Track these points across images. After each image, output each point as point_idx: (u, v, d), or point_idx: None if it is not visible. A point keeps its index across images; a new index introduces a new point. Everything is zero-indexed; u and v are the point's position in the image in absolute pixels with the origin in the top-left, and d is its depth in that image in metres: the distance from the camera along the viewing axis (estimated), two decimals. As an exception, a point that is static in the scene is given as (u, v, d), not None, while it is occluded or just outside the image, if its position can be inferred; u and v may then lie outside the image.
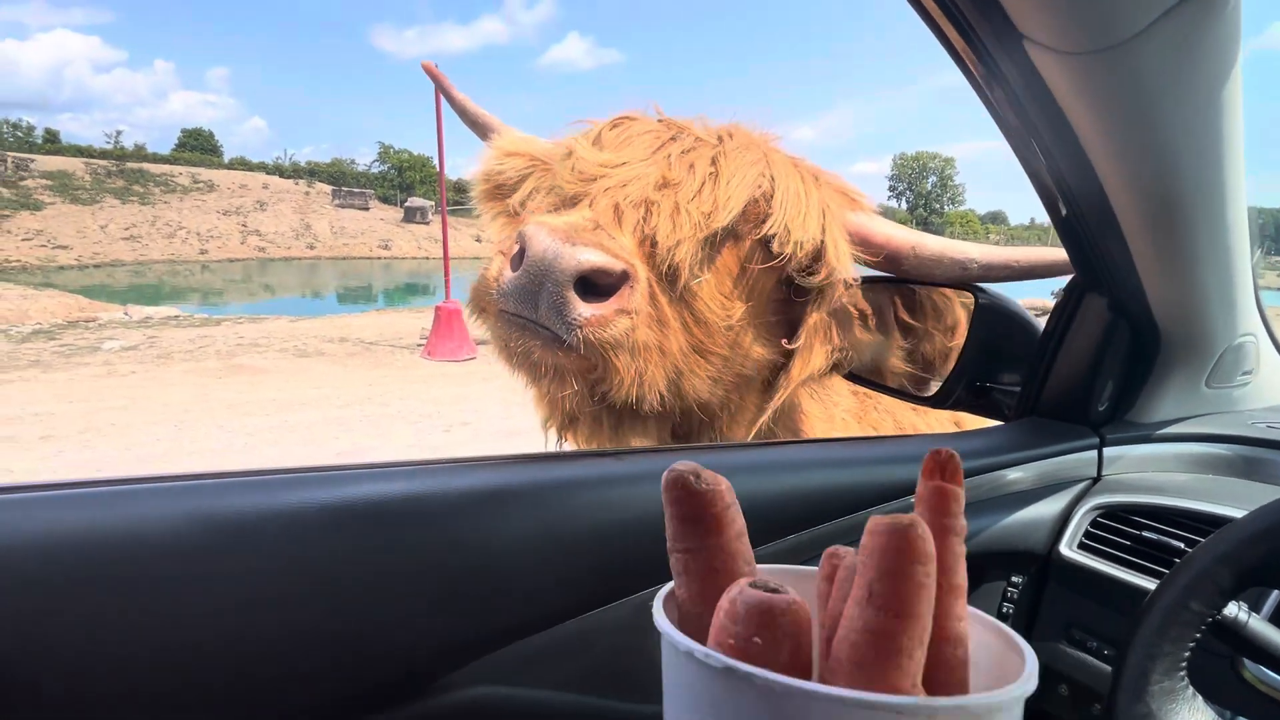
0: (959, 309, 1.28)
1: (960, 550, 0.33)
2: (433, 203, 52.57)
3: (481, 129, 1.44)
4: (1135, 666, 0.65)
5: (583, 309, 0.87)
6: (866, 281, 1.22)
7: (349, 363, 9.34)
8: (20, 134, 62.90)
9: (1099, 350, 1.09)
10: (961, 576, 0.32)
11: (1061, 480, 1.07)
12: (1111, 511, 1.02)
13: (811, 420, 1.41)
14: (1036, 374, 1.16)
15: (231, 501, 0.64)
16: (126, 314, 13.63)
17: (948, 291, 1.27)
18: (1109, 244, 0.95)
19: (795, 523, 0.88)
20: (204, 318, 13.75)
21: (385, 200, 60.87)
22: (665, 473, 0.34)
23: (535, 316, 0.88)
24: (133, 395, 7.28)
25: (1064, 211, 0.96)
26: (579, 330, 0.88)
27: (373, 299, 27.27)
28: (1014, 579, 1.04)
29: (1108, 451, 1.10)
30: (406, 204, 55.72)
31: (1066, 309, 1.11)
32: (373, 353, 10.01)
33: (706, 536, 0.33)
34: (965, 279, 1.16)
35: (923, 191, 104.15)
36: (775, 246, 1.04)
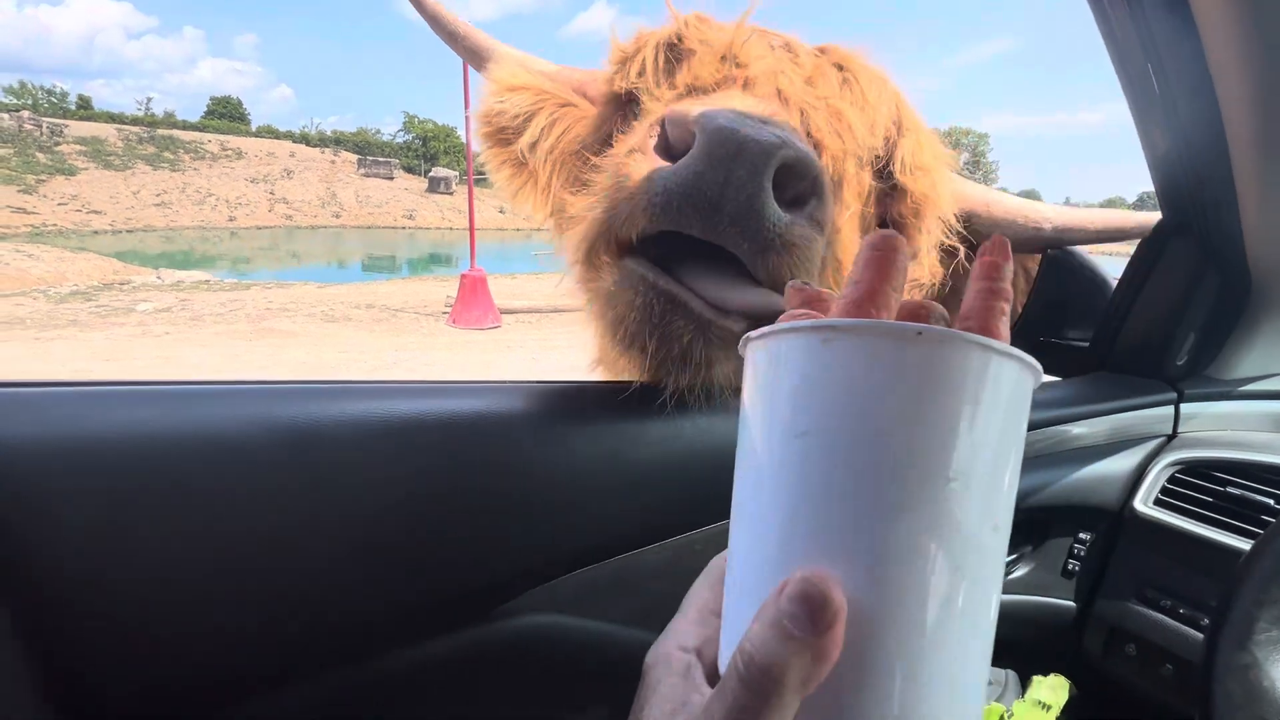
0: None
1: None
2: (457, 173, 52.48)
3: (472, 53, 1.17)
4: (1241, 613, 0.60)
5: (782, 213, 0.61)
6: None
7: (375, 328, 9.42)
8: (54, 100, 63.84)
9: (1182, 299, 1.03)
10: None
11: (1135, 436, 1.02)
12: (1191, 467, 0.97)
13: None
14: (1109, 327, 1.11)
15: (304, 409, 0.63)
16: (159, 278, 13.87)
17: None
18: (1213, 174, 0.87)
19: None
20: (233, 283, 13.95)
21: (410, 170, 60.86)
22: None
23: (714, 223, 0.59)
24: (166, 355, 7.43)
25: (1165, 141, 0.89)
26: (778, 239, 0.61)
27: (397, 269, 27.40)
28: (1082, 535, 1.00)
29: (1185, 408, 1.05)
30: (431, 174, 55.68)
31: (1149, 255, 1.05)
32: (398, 319, 10.07)
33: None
34: (1037, 240, 1.09)
35: (955, 168, 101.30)
36: (900, 174, 0.88)
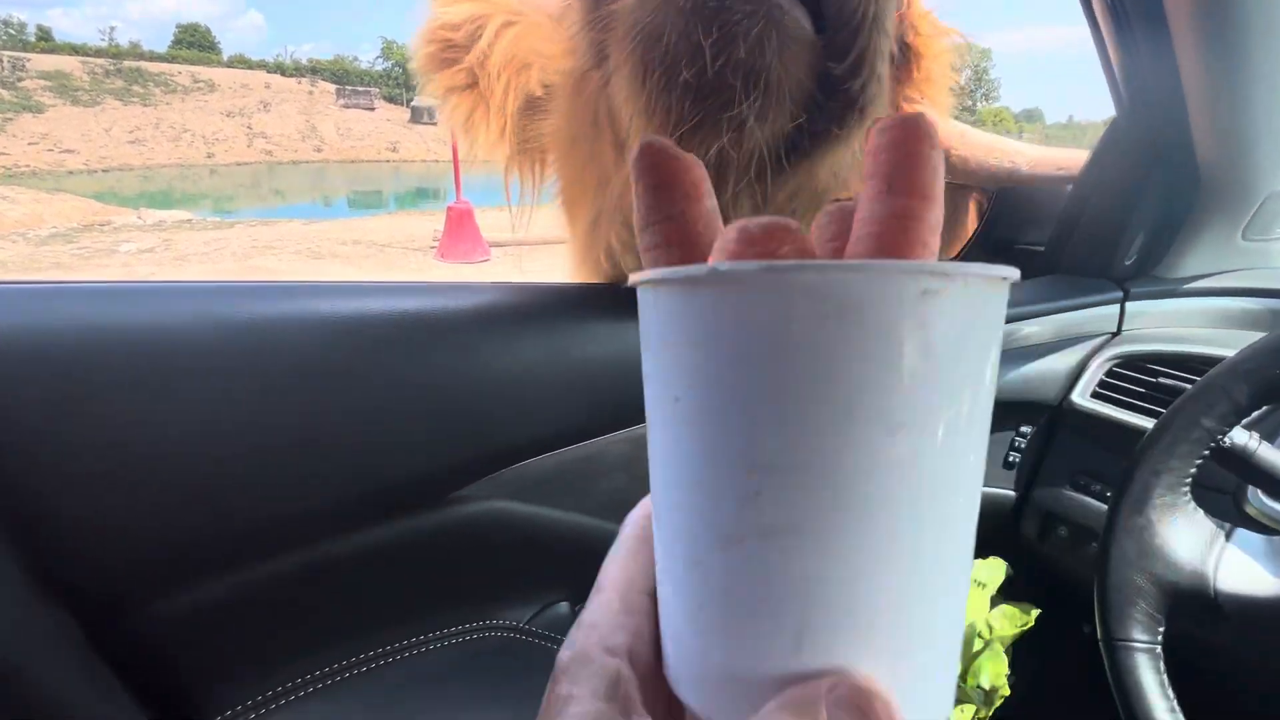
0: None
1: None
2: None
3: None
4: (1139, 481, 0.65)
5: None
6: None
7: (363, 264, 9.32)
8: (12, 32, 60.65)
9: (1131, 199, 1.05)
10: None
11: (1080, 334, 1.05)
12: (1129, 361, 1.01)
13: None
14: (1064, 229, 1.12)
15: (253, 307, 0.64)
16: (140, 218, 13.57)
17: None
18: (1160, 64, 0.88)
19: None
20: (216, 221, 13.70)
21: (391, 100, 58.46)
22: (637, 146, 0.27)
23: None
24: (153, 296, 7.37)
25: (1117, 38, 0.89)
26: None
27: (384, 204, 26.82)
28: (1023, 429, 1.05)
29: (1130, 306, 1.08)
30: (413, 104, 53.59)
31: (1103, 155, 1.06)
32: (386, 254, 9.95)
33: (686, 203, 0.27)
34: (1011, 179, 1.08)
35: (954, 86, 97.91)
36: (911, 36, 0.80)
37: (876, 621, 0.23)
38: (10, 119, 35.99)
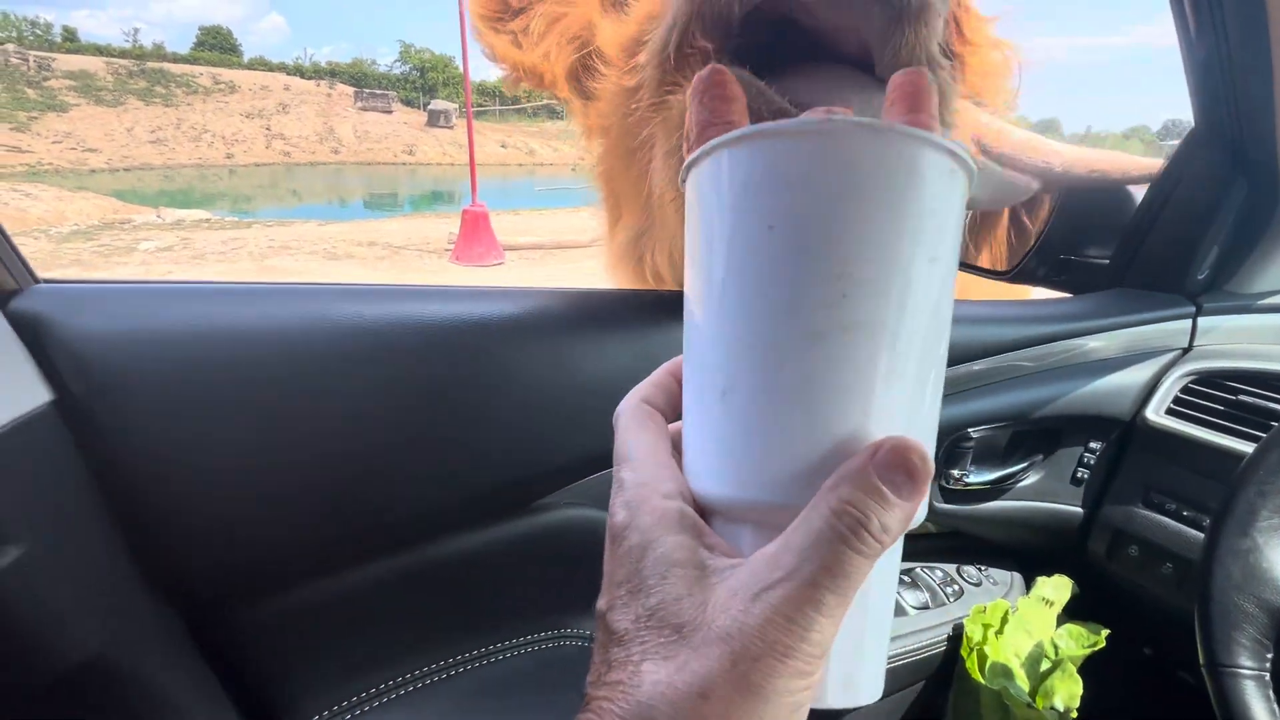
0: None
1: None
2: (456, 105, 51.01)
3: None
4: (1244, 502, 0.62)
5: None
6: None
7: (378, 266, 9.36)
8: (39, 32, 61.83)
9: (1208, 211, 1.02)
10: None
11: (1150, 349, 1.04)
12: (1205, 377, 0.99)
13: None
14: (1131, 242, 1.11)
15: (360, 309, 0.66)
16: (159, 216, 13.75)
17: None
18: (1251, 78, 0.86)
19: None
20: (234, 221, 13.83)
21: (408, 103, 59.07)
22: (706, 70, 0.35)
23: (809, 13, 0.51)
24: (171, 293, 7.43)
25: (1206, 47, 0.87)
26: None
27: (399, 206, 27.02)
28: (1092, 445, 1.03)
29: (1202, 321, 1.06)
30: (430, 107, 54.08)
31: (1178, 167, 1.04)
32: (401, 256, 10.00)
33: (739, 115, 0.35)
34: (1045, 177, 1.07)
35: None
36: (958, 44, 0.75)
37: (912, 403, 0.31)
38: (35, 117, 36.62)
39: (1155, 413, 0.98)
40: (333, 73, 61.78)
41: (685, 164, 0.35)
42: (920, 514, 0.32)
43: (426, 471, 0.69)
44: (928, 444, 0.31)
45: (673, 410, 0.39)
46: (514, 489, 0.74)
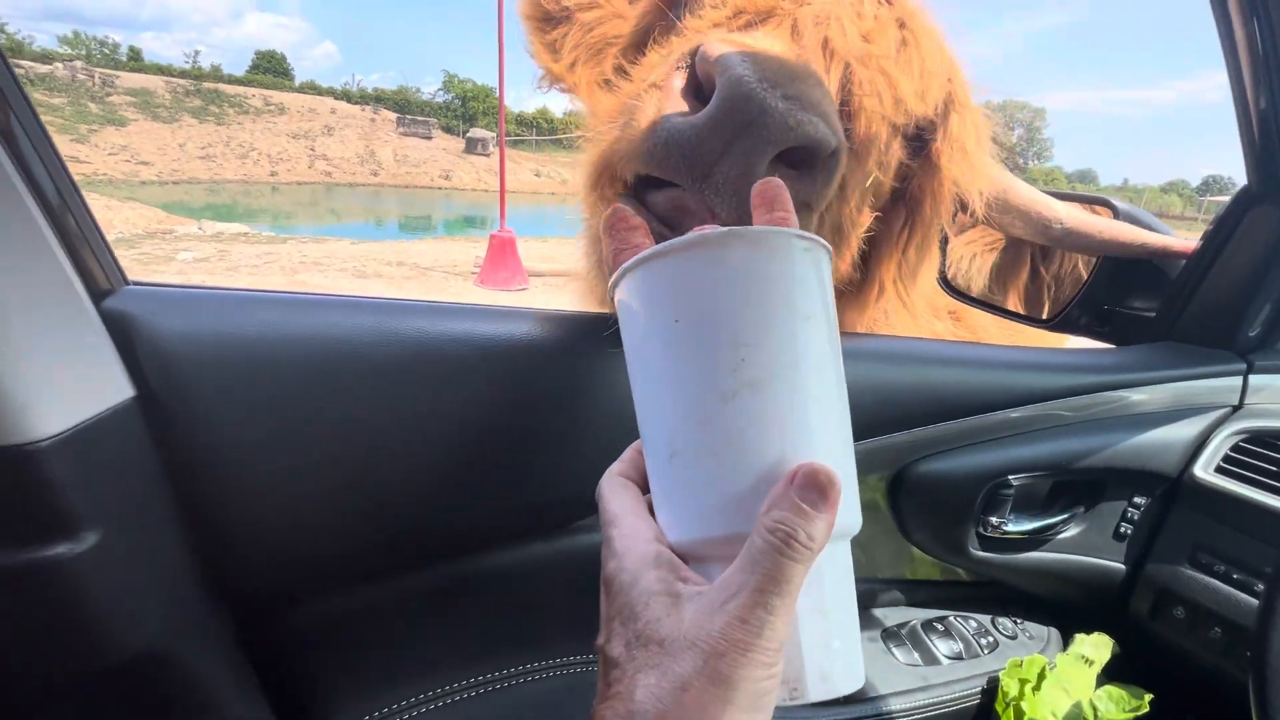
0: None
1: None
2: (494, 134, 52.31)
3: None
4: None
5: None
6: None
7: (404, 285, 9.48)
8: (107, 51, 65.09)
9: (1261, 268, 1.00)
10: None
11: (1198, 405, 1.01)
12: (1258, 437, 0.97)
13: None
14: (1179, 295, 1.08)
15: (424, 324, 0.68)
16: (200, 228, 14.16)
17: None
18: None
19: (923, 416, 0.87)
20: (270, 236, 14.17)
21: (448, 130, 60.79)
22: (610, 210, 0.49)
23: (697, 187, 0.58)
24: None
25: (1264, 102, 0.86)
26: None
27: (433, 229, 27.55)
28: (1136, 500, 1.00)
29: (1254, 379, 1.03)
30: (468, 135, 55.54)
31: (1229, 222, 1.02)
32: (428, 278, 10.12)
33: (644, 240, 0.48)
34: (1045, 236, 1.10)
35: (1006, 144, 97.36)
36: (939, 154, 0.84)
37: (817, 433, 0.40)
38: (95, 130, 38.35)
39: (1204, 470, 0.95)
40: (378, 99, 63.92)
41: (610, 284, 0.47)
42: (853, 523, 0.42)
43: (473, 486, 0.71)
44: (839, 461, 0.40)
45: (642, 480, 0.47)
46: (555, 509, 0.76)
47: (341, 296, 0.71)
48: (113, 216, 14.11)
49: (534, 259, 9.89)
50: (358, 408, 0.65)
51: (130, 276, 0.64)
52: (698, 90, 0.59)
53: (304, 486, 0.65)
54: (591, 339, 0.73)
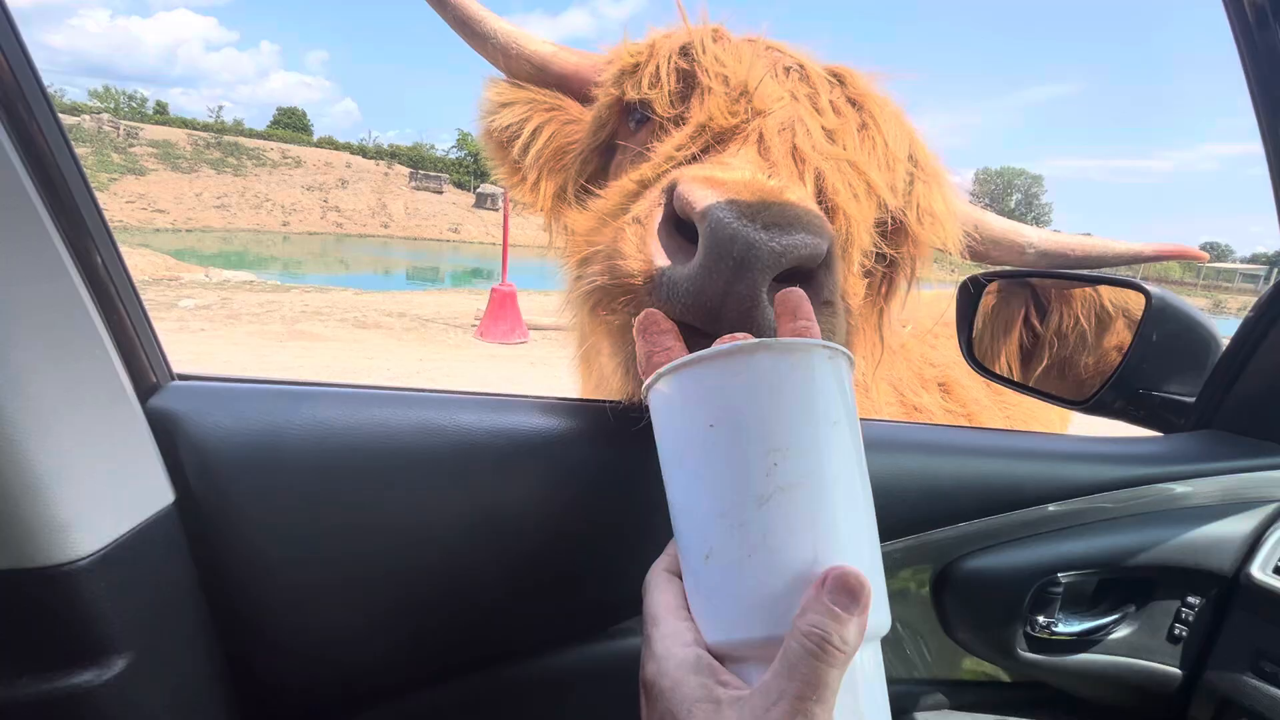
0: (1109, 320, 1.28)
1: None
2: (503, 190, 53.52)
3: (461, 23, 1.09)
4: None
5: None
6: (1002, 277, 1.22)
7: (404, 337, 9.45)
8: (135, 105, 67.62)
9: None
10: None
11: (1249, 499, 0.97)
12: None
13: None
14: (1221, 382, 1.06)
15: (467, 418, 0.67)
16: (207, 276, 14.30)
17: (1105, 301, 1.25)
18: None
19: (970, 510, 0.86)
20: (274, 284, 14.28)
21: (460, 185, 62.38)
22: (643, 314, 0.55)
23: (712, 328, 0.60)
24: (197, 352, 7.53)
25: None
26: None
27: (440, 280, 27.88)
28: (1190, 600, 0.96)
29: None
30: (479, 190, 56.91)
31: (1268, 314, 1.00)
32: (427, 329, 10.10)
33: (676, 342, 0.54)
34: (1021, 260, 1.17)
35: (1006, 209, 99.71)
36: (912, 223, 0.90)
37: (846, 535, 0.42)
38: (115, 178, 39.43)
39: (1262, 571, 0.91)
40: (393, 154, 65.88)
41: (644, 387, 0.51)
42: (883, 623, 0.43)
43: (516, 588, 0.70)
44: (867, 562, 0.43)
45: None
46: (597, 610, 0.75)
47: (387, 390, 0.70)
48: (122, 263, 14.25)
49: (535, 312, 9.87)
50: (399, 507, 0.64)
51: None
52: (679, 225, 0.62)
53: (341, 593, 0.64)
54: (621, 431, 0.70)
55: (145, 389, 0.59)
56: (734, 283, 0.57)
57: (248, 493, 0.61)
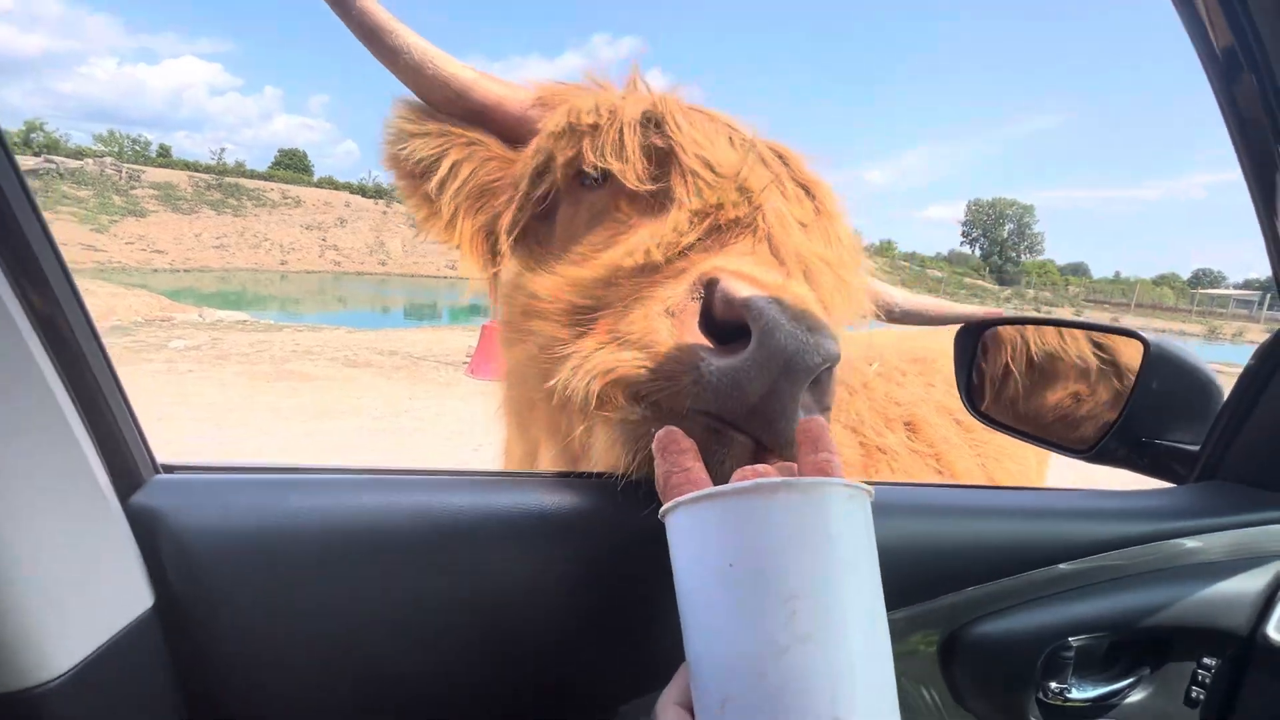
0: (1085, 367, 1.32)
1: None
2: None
3: (369, 32, 0.98)
4: None
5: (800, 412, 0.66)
6: (1001, 324, 1.28)
7: (394, 375, 9.38)
8: (138, 148, 68.69)
9: None
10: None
11: (1261, 554, 0.95)
12: None
13: None
14: (1223, 431, 1.03)
15: (458, 499, 0.65)
16: (200, 316, 14.29)
17: (1083, 349, 1.30)
18: None
19: (975, 574, 0.84)
20: (268, 324, 14.25)
21: (457, 223, 62.91)
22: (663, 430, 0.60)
23: (744, 422, 0.63)
24: (184, 393, 7.44)
25: None
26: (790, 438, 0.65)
27: (438, 316, 27.91)
28: (1206, 661, 0.94)
29: None
30: (477, 227, 57.38)
31: (1269, 362, 0.99)
32: (419, 367, 10.03)
33: (695, 462, 0.57)
34: (889, 316, 1.28)
35: (998, 239, 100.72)
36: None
37: (863, 686, 0.42)
38: (116, 220, 39.79)
39: (1278, 631, 0.90)
40: (393, 193, 66.48)
41: (661, 511, 0.52)
42: None
43: (515, 684, 0.68)
44: (887, 711, 0.43)
45: (690, 706, 0.50)
46: (591, 699, 0.72)
47: (379, 474, 0.68)
48: (116, 304, 14.25)
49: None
50: (394, 600, 0.62)
51: (118, 365, 0.58)
52: (710, 321, 0.65)
53: (334, 696, 0.62)
54: (624, 510, 0.69)
55: (126, 485, 0.58)
56: (780, 381, 0.60)
57: (233, 591, 0.58)
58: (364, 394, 8.05)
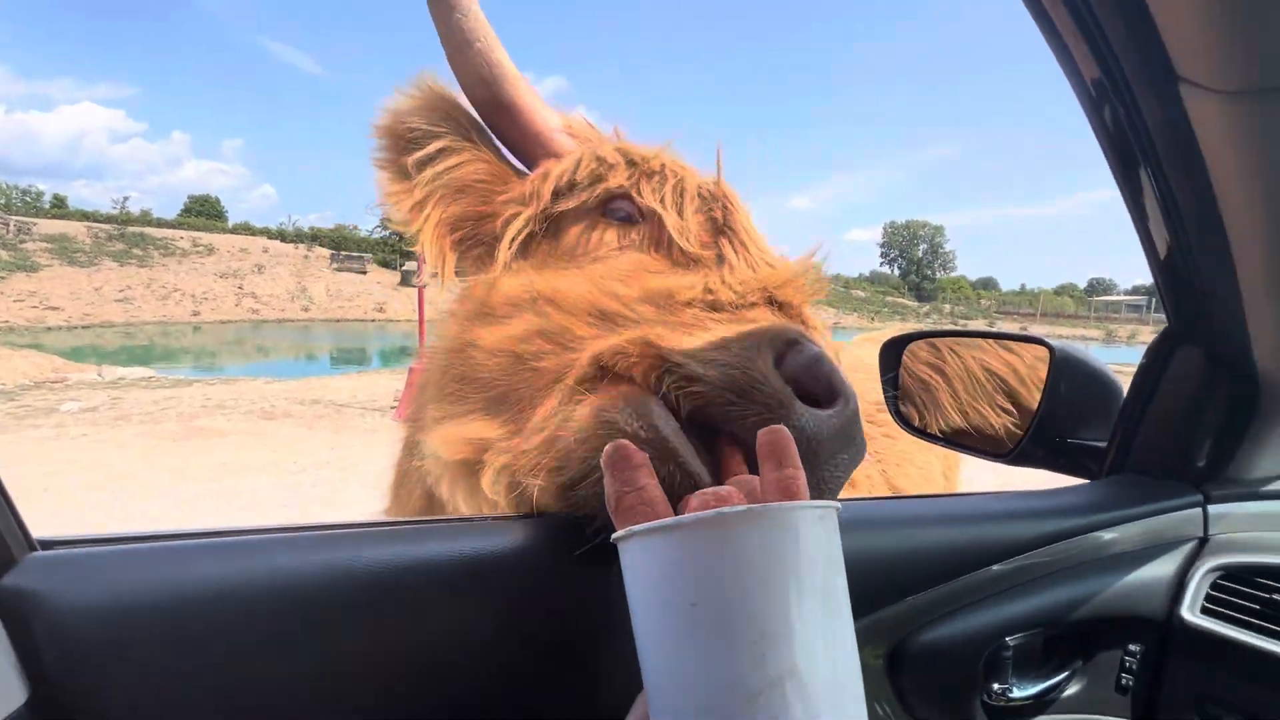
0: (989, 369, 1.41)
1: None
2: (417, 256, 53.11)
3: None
4: None
5: None
6: (920, 337, 1.34)
7: (316, 425, 8.90)
8: (29, 200, 64.27)
9: (1196, 403, 1.03)
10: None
11: (1166, 540, 1.00)
12: (1233, 574, 0.97)
13: None
14: (1126, 427, 1.10)
15: (372, 552, 0.61)
16: (99, 374, 13.26)
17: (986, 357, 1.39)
18: (1217, 287, 0.89)
19: (916, 582, 0.85)
20: (175, 379, 13.38)
21: (384, 265, 61.34)
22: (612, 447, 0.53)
23: (814, 471, 0.64)
24: (74, 460, 6.81)
25: (1171, 254, 0.90)
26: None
27: (367, 361, 26.93)
28: (1131, 647, 0.98)
29: (1212, 509, 1.03)
30: (404, 268, 56.22)
31: (1158, 361, 1.06)
32: (342, 415, 9.58)
33: (649, 478, 0.51)
34: None
35: (914, 258, 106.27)
36: None
37: (841, 714, 0.40)
38: (3, 277, 36.82)
39: (1190, 612, 0.94)
40: (314, 237, 64.36)
41: (615, 536, 0.47)
42: None
43: None
44: None
45: None
46: None
47: (285, 531, 0.62)
48: (0, 366, 13.06)
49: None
50: (306, 671, 0.57)
51: (1, 436, 0.50)
52: (806, 392, 0.66)
53: None
54: (559, 551, 0.67)
55: None
56: (846, 449, 0.66)
57: (123, 678, 0.52)
58: (280, 448, 7.59)
